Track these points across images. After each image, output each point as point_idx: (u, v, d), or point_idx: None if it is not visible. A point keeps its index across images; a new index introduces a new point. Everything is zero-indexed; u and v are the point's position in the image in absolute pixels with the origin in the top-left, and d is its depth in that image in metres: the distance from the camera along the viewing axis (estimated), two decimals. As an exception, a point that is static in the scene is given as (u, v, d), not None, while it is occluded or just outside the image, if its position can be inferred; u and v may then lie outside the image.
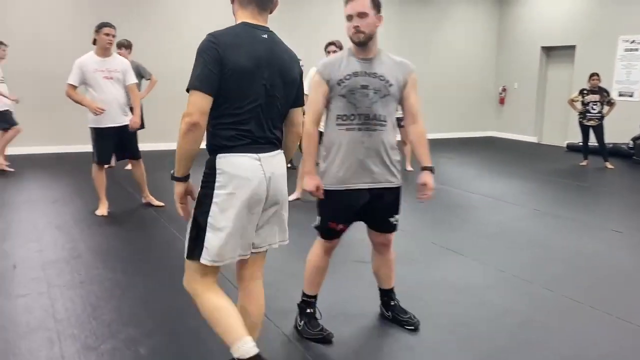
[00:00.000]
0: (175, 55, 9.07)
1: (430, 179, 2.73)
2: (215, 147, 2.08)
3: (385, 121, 2.67)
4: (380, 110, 2.65)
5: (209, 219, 2.06)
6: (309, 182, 2.67)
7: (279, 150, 2.20)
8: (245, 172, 2.05)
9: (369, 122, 2.64)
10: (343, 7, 2.62)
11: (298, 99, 2.30)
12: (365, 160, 2.67)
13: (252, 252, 2.20)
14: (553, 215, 5.64)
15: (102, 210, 5.14)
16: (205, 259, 2.07)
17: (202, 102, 1.97)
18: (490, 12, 12.60)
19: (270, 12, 2.19)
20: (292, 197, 5.95)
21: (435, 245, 4.56)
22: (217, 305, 2.11)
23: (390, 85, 2.65)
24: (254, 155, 2.08)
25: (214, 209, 2.05)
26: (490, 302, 3.43)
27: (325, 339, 2.85)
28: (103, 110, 4.86)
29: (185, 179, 2.12)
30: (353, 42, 2.63)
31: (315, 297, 2.97)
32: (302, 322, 2.92)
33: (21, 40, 8.12)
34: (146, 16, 9.12)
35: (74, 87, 4.92)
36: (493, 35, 12.76)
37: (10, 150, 7.41)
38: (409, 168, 7.58)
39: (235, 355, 2.05)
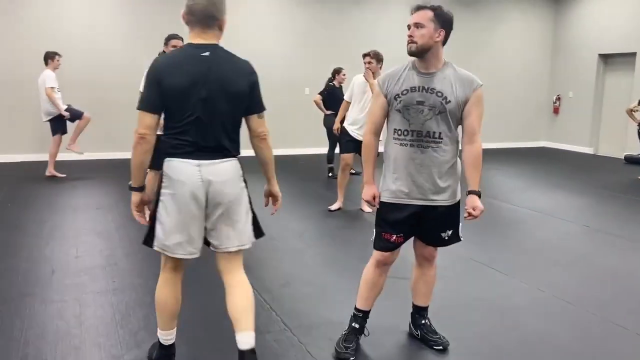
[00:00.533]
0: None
1: (479, 202, 2.63)
2: (165, 154, 2.39)
3: (439, 139, 2.60)
4: (434, 127, 2.59)
5: (157, 213, 2.40)
6: (366, 191, 2.77)
7: (227, 159, 2.42)
8: (183, 176, 2.33)
9: (421, 138, 2.60)
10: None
11: (251, 108, 2.47)
12: (417, 177, 2.64)
13: (217, 252, 2.51)
14: (604, 233, 5.35)
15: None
16: (155, 245, 2.44)
17: (146, 119, 2.31)
18: (544, 18, 12.20)
19: (220, 30, 2.42)
20: (334, 207, 5.91)
21: (474, 261, 4.40)
22: (160, 298, 2.55)
23: (448, 102, 2.56)
24: (194, 161, 2.34)
25: (160, 205, 2.40)
26: (527, 325, 3.26)
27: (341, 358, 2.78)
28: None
29: (140, 189, 2.46)
30: (408, 52, 2.61)
31: (364, 312, 2.88)
32: (343, 332, 2.89)
33: (77, 50, 8.45)
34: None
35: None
36: (547, 42, 12.35)
37: (61, 157, 7.67)
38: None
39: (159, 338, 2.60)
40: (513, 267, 4.28)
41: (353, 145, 5.71)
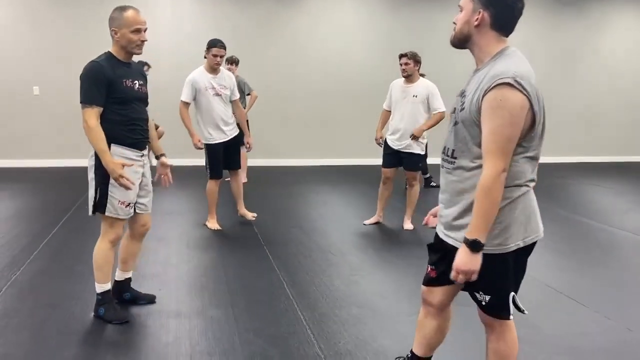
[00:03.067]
0: (300, 72, 9.14)
1: (465, 258, 1.88)
2: None
3: (453, 157, 2.02)
4: (450, 143, 2.05)
5: None
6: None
7: None
8: None
9: (442, 156, 2.11)
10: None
11: None
12: (440, 203, 2.15)
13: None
14: None
15: (213, 224, 5.26)
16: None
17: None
18: (660, 21, 10.98)
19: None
20: (370, 221, 5.57)
21: (551, 289, 3.87)
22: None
23: (462, 109, 1.97)
24: None
25: None
26: (605, 372, 2.75)
27: None
28: (201, 147, 5.08)
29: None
30: None
31: (415, 356, 2.39)
32: None
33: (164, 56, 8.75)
34: (272, 34, 9.33)
35: (187, 104, 5.06)
36: (665, 45, 11.10)
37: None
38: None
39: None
40: (600, 299, 3.71)
41: (393, 159, 5.33)
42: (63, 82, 8.61)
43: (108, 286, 3.22)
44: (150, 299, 3.49)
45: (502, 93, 1.80)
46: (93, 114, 2.92)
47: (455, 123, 2.01)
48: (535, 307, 3.51)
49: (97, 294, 3.20)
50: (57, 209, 5.86)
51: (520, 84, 1.79)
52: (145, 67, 7.51)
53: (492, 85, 1.82)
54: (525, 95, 1.80)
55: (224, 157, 5.20)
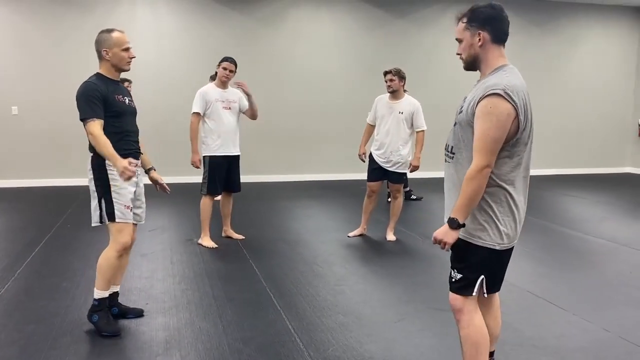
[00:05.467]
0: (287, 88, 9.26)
1: (442, 229, 2.18)
2: None
3: (452, 153, 2.33)
4: (450, 141, 2.35)
5: None
6: None
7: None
8: None
9: (445, 151, 2.40)
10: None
11: None
12: (445, 191, 2.41)
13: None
14: (690, 267, 4.73)
15: (208, 241, 5.18)
16: None
17: None
18: (627, 37, 11.39)
19: (101, 59, 3.22)
20: (354, 233, 5.67)
21: (531, 294, 3.98)
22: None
23: (460, 112, 2.28)
24: None
25: None
26: (584, 370, 2.85)
27: None
28: (199, 167, 5.14)
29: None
30: None
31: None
32: None
33: (144, 78, 8.79)
34: (257, 51, 9.46)
35: (198, 115, 5.05)
36: (632, 62, 11.51)
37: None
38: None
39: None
40: (577, 303, 3.83)
41: (379, 173, 5.43)
42: (42, 101, 8.62)
43: (106, 294, 3.28)
44: (138, 313, 3.51)
45: (492, 101, 2.09)
46: (97, 125, 3.08)
47: (455, 124, 2.31)
48: (515, 311, 3.63)
49: (94, 299, 3.27)
50: (39, 227, 5.83)
51: (509, 95, 2.08)
52: (126, 84, 7.53)
53: (486, 95, 2.10)
54: (512, 105, 2.08)
55: (225, 175, 5.18)
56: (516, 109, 2.08)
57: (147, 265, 4.58)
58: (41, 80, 8.62)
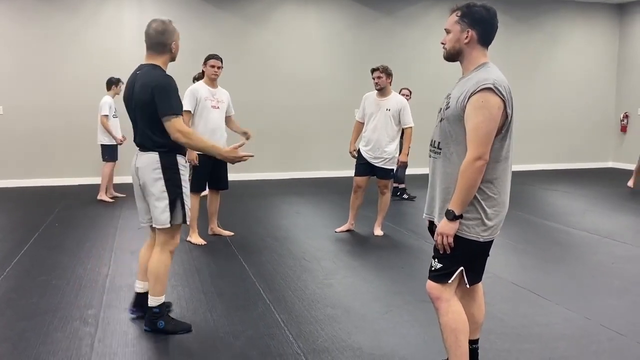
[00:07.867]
0: (270, 88, 9.29)
1: (441, 223, 2.28)
2: None
3: (438, 148, 2.38)
4: (436, 136, 2.41)
5: None
6: None
7: (146, 152, 3.07)
8: (132, 163, 3.16)
9: (430, 147, 2.46)
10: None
11: (157, 113, 2.96)
12: (429, 186, 2.49)
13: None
14: (669, 257, 4.86)
15: (197, 238, 5.21)
16: None
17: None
18: (609, 34, 11.57)
19: (168, 52, 3.13)
20: (341, 228, 5.73)
21: (516, 286, 4.08)
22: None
23: (447, 108, 2.34)
24: (136, 153, 3.14)
25: None
26: (568, 357, 2.94)
27: None
28: (196, 164, 5.00)
29: None
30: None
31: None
32: None
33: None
34: (242, 50, 9.48)
35: (189, 113, 4.99)
36: (613, 58, 11.69)
37: (121, 179, 7.85)
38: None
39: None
40: (559, 293, 3.93)
41: (366, 168, 5.49)
42: (28, 101, 8.56)
43: (163, 298, 3.21)
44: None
45: (484, 96, 2.18)
46: (183, 122, 2.98)
47: (441, 120, 2.36)
48: (500, 302, 3.72)
49: (154, 308, 3.16)
50: (27, 227, 5.82)
51: (498, 89, 2.18)
52: (120, 84, 7.45)
53: (477, 90, 2.19)
54: (501, 98, 2.19)
55: (211, 173, 5.18)
56: (505, 102, 2.19)
57: (136, 263, 4.59)
58: (26, 80, 8.56)
